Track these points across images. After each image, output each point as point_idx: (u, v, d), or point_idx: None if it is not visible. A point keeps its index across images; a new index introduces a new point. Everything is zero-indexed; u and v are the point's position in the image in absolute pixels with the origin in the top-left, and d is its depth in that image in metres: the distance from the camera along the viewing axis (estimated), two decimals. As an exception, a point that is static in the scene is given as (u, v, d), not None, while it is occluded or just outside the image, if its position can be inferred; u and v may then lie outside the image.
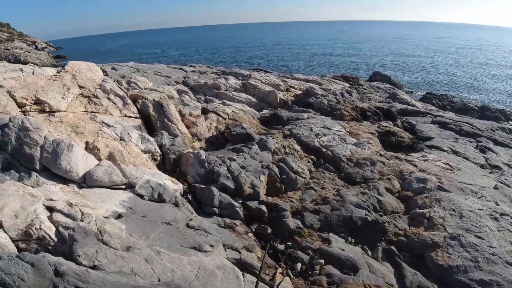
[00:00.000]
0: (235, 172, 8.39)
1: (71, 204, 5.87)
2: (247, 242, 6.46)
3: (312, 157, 10.38)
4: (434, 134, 12.96)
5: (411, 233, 6.86)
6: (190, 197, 7.63)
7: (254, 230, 7.09)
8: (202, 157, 8.82)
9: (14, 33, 76.26)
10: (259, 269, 5.48)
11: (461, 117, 15.81)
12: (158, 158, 9.26)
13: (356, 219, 7.21)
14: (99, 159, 7.70)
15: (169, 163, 9.18)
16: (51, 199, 5.90)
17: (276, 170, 8.92)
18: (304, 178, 9.07)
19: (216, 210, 7.34)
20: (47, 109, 8.49)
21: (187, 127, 11.82)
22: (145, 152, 9.01)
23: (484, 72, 38.12)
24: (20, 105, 8.22)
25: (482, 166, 10.50)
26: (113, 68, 18.50)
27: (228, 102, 15.67)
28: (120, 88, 11.51)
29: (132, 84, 14.62)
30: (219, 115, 13.42)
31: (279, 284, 5.53)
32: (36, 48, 67.11)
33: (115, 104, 10.44)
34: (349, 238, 6.94)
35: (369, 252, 6.56)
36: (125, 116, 10.26)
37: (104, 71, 16.13)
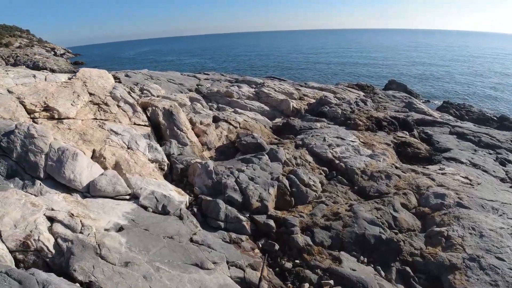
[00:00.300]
0: (243, 184, 8.08)
1: (72, 214, 5.71)
2: (252, 259, 6.14)
3: (325, 168, 10.02)
4: (452, 145, 12.44)
5: (427, 253, 6.50)
6: (195, 209, 7.35)
7: (261, 246, 6.77)
8: (209, 167, 8.56)
9: (34, 39, 78.78)
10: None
11: (480, 127, 15.18)
12: (165, 168, 9.07)
13: (369, 237, 6.81)
14: (105, 168, 7.55)
15: (176, 173, 8.97)
16: (52, 209, 5.77)
17: (286, 182, 8.59)
18: (315, 191, 8.71)
19: (222, 224, 7.04)
20: (56, 116, 8.44)
21: (197, 135, 11.62)
22: (152, 161, 8.84)
23: (501, 81, 37.08)
24: (29, 112, 8.20)
25: (502, 180, 10.01)
26: (127, 75, 18.65)
27: (240, 111, 15.49)
28: (131, 95, 11.46)
29: (145, 92, 14.65)
30: (230, 123, 13.19)
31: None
32: (55, 54, 69.15)
33: (124, 111, 10.36)
34: (361, 257, 6.56)
35: (382, 273, 6.22)
36: (134, 124, 10.15)
37: (118, 78, 16.23)
